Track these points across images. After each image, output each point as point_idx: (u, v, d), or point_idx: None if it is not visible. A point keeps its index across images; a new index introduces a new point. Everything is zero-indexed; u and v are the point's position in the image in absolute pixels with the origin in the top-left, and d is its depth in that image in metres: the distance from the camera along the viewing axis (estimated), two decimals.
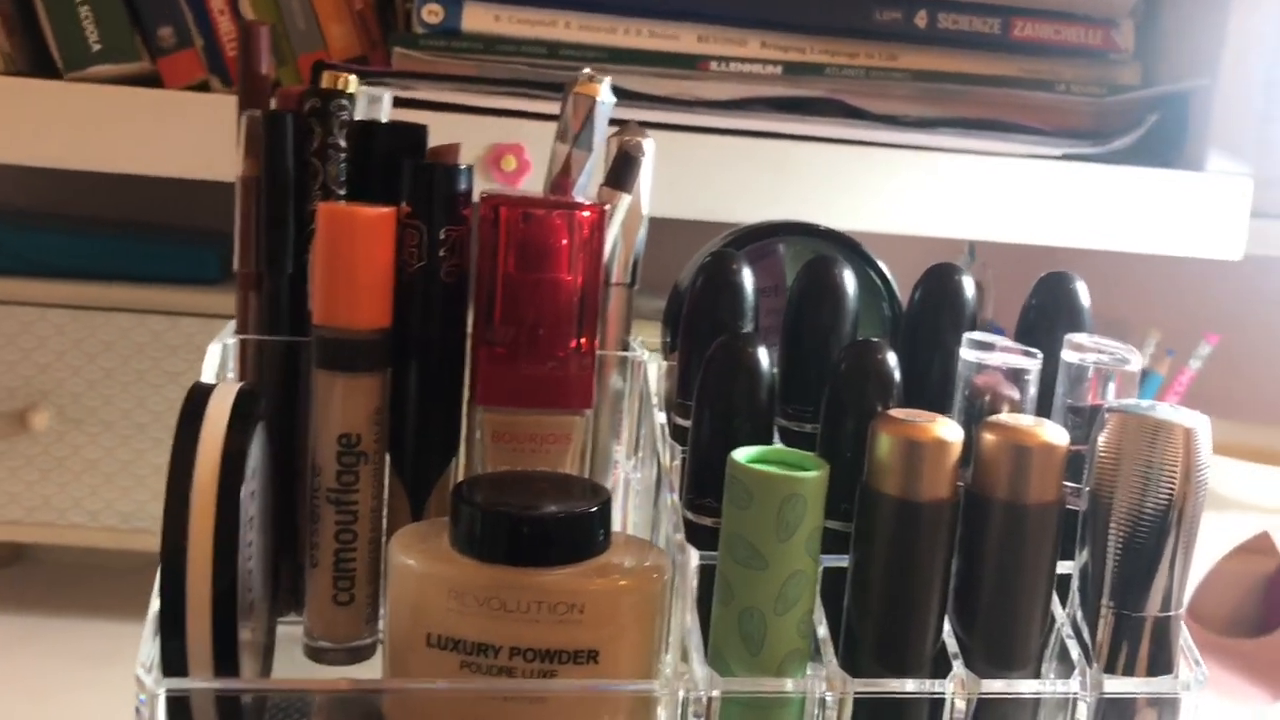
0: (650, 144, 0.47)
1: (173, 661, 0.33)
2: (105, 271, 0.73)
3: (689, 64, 0.67)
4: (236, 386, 0.37)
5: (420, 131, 0.44)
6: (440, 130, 0.63)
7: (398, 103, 0.63)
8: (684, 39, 0.67)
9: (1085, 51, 0.67)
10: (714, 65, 0.67)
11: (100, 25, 0.68)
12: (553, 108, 0.60)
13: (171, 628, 0.33)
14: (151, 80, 0.69)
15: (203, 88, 0.69)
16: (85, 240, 0.73)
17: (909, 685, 0.36)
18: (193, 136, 0.64)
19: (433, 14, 0.66)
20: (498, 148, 0.63)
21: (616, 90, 0.65)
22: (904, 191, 0.64)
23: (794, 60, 0.67)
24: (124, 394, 0.74)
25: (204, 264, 0.74)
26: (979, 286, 0.88)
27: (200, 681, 0.33)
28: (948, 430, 0.36)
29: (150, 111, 0.64)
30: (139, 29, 0.69)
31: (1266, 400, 0.87)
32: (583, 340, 0.42)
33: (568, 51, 0.66)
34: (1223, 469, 0.77)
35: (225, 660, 0.33)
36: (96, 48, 0.68)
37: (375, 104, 0.46)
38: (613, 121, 0.62)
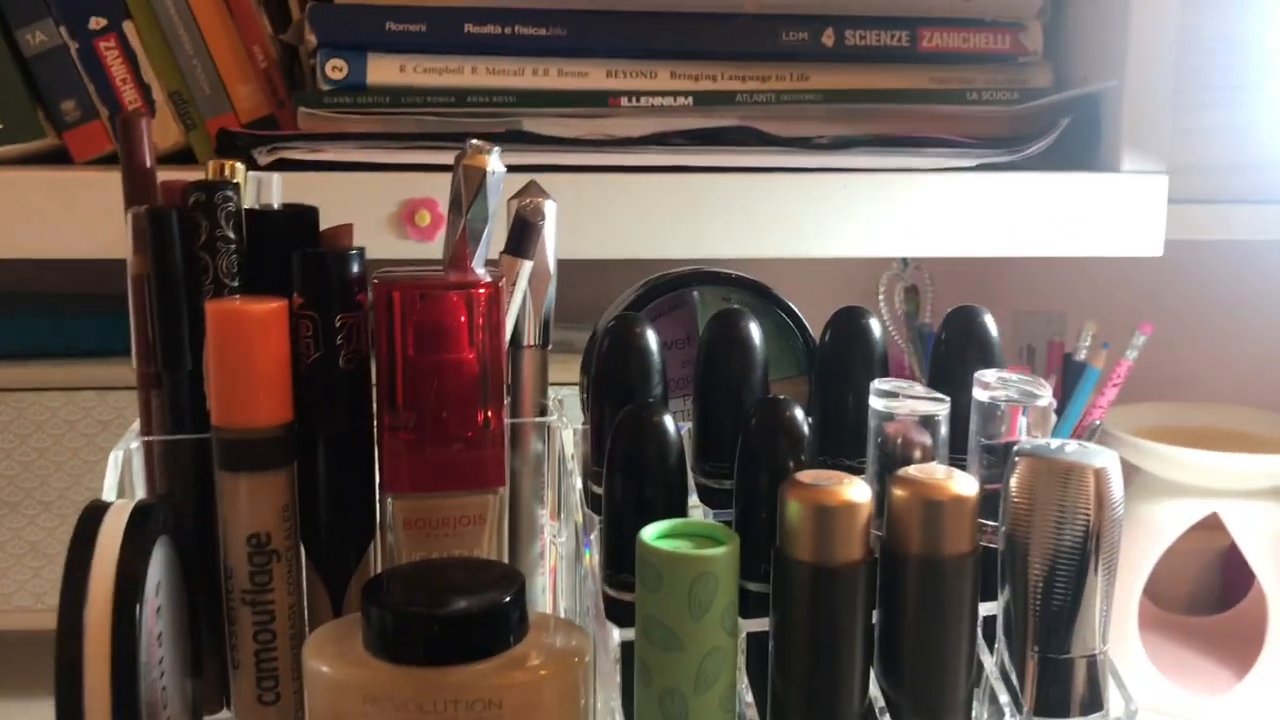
0: (551, 206, 0.47)
1: None
2: (29, 350, 0.71)
3: (600, 101, 0.66)
4: (131, 505, 0.36)
5: (312, 215, 0.44)
6: (351, 188, 0.63)
7: (306, 165, 0.62)
8: (593, 75, 0.67)
9: (995, 57, 0.67)
10: (625, 100, 0.66)
11: (1, 105, 0.67)
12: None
13: None
14: (61, 155, 0.68)
15: (112, 159, 0.68)
16: (6, 321, 0.72)
17: None
18: (101, 214, 0.63)
19: (336, 70, 0.65)
20: (410, 203, 0.62)
21: (527, 135, 0.65)
22: (824, 215, 0.64)
23: (705, 89, 0.66)
24: (59, 473, 0.73)
25: (128, 335, 0.73)
26: (914, 290, 0.88)
27: None
28: (856, 492, 0.35)
29: (55, 191, 0.63)
30: (41, 105, 0.67)
31: (1205, 380, 0.88)
32: (490, 416, 0.41)
33: (476, 98, 0.65)
34: (1169, 455, 0.77)
35: None
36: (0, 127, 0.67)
37: (266, 187, 0.45)
38: (523, 167, 0.62)
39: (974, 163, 0.64)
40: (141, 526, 0.35)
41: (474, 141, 0.44)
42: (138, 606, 0.33)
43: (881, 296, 0.84)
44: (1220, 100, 0.71)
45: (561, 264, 0.56)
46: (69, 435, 0.72)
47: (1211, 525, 0.79)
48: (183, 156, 0.71)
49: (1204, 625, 0.89)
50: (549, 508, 0.47)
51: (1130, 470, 0.82)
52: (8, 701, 0.77)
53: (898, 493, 0.36)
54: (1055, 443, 0.38)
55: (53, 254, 0.62)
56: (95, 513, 0.35)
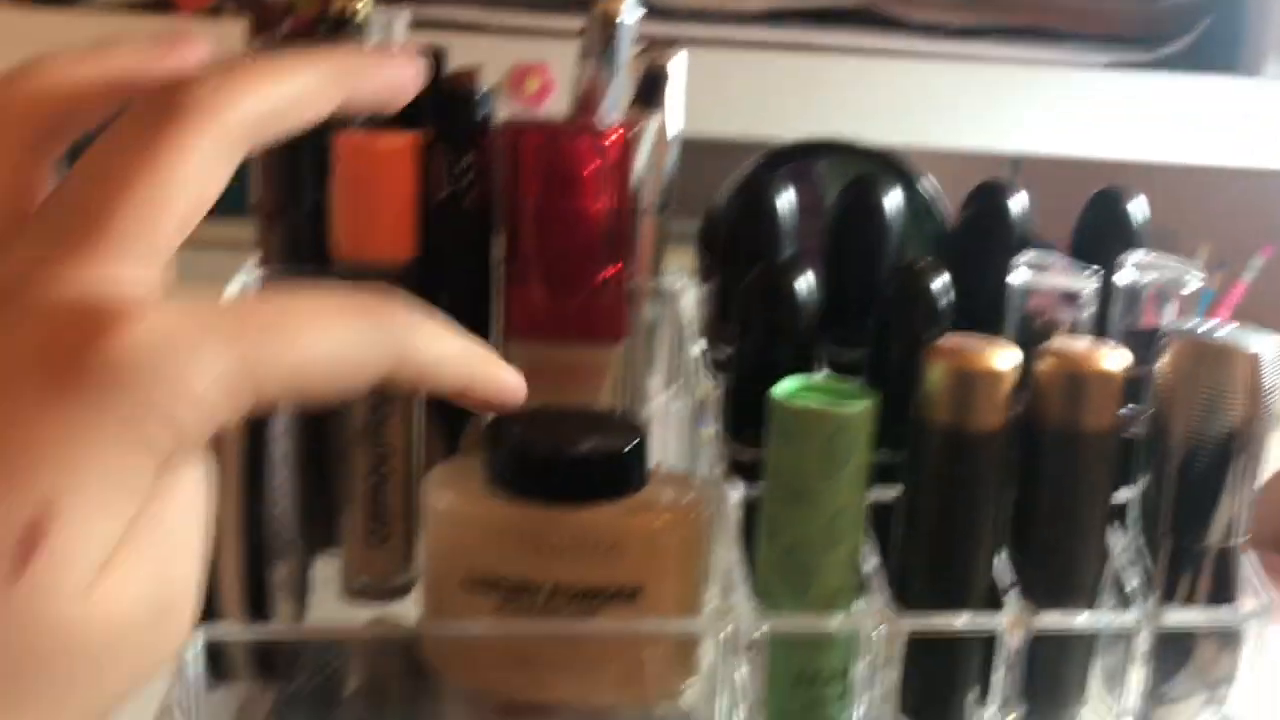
0: (681, 59, 0.45)
1: (205, 608, 0.32)
2: None
3: None
4: None
5: (438, 55, 0.42)
6: (460, 52, 0.61)
7: (416, 24, 0.61)
8: None
9: None
10: None
11: None
12: (578, 24, 0.58)
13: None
14: (164, 5, 0.67)
15: (215, 11, 0.67)
16: None
17: (960, 620, 0.35)
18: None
19: None
20: (520, 68, 0.60)
21: (646, 5, 0.63)
22: (943, 105, 0.62)
23: None
24: None
25: (228, 192, 0.72)
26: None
27: (232, 628, 0.32)
28: (1002, 359, 0.34)
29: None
30: None
31: None
32: (615, 269, 0.40)
33: None
34: None
35: (257, 605, 0.33)
36: None
37: (390, 27, 0.44)
38: (643, 34, 0.60)
39: (1106, 60, 0.61)
40: None
41: None
42: (268, 423, 0.33)
43: None
44: None
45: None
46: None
47: None
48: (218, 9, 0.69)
49: None
50: (660, 377, 0.47)
51: None
52: None
53: (1043, 363, 0.35)
54: (1209, 324, 0.36)
55: None
56: None
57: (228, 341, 0.21)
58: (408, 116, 0.40)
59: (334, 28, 0.41)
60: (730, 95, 0.61)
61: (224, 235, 0.72)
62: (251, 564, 0.33)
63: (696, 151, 0.60)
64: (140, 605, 0.20)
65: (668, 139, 0.46)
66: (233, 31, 0.62)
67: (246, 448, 0.33)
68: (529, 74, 0.61)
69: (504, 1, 0.62)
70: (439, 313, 0.25)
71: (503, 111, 0.61)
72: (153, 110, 0.23)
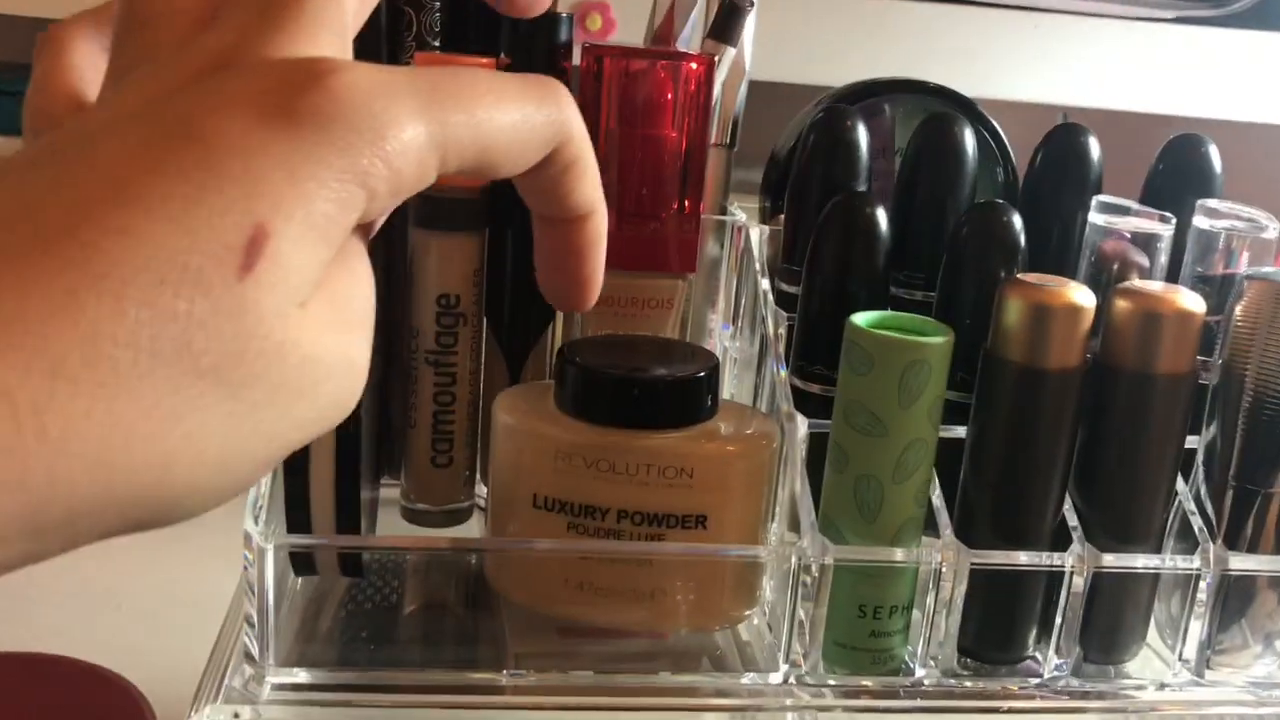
0: None
1: (296, 520, 0.33)
2: None
3: None
4: None
5: None
6: None
7: None
8: None
9: None
10: None
11: None
12: None
13: (294, 475, 0.33)
14: None
15: None
16: None
17: (1023, 558, 0.35)
18: None
19: None
20: (584, 4, 0.60)
21: None
22: (1009, 54, 0.61)
23: None
24: None
25: None
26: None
27: (317, 538, 0.33)
28: (1081, 295, 0.34)
29: None
30: None
31: None
32: (686, 201, 0.40)
33: None
34: None
35: (348, 518, 0.33)
36: None
37: None
38: None
39: (1172, 15, 0.60)
40: None
41: None
42: None
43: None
44: None
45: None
46: None
47: None
48: None
49: None
50: (720, 313, 0.47)
51: None
52: None
53: (1120, 303, 0.35)
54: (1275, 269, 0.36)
55: None
56: None
57: (425, 102, 0.23)
58: (489, 39, 0.40)
59: None
60: (791, 39, 0.60)
61: None
62: (343, 480, 0.33)
63: (755, 94, 0.59)
64: (332, 347, 0.22)
65: (741, 73, 0.45)
66: None
67: None
68: (592, 11, 0.60)
69: None
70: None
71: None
72: None
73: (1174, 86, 0.61)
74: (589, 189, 0.27)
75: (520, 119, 0.24)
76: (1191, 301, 0.35)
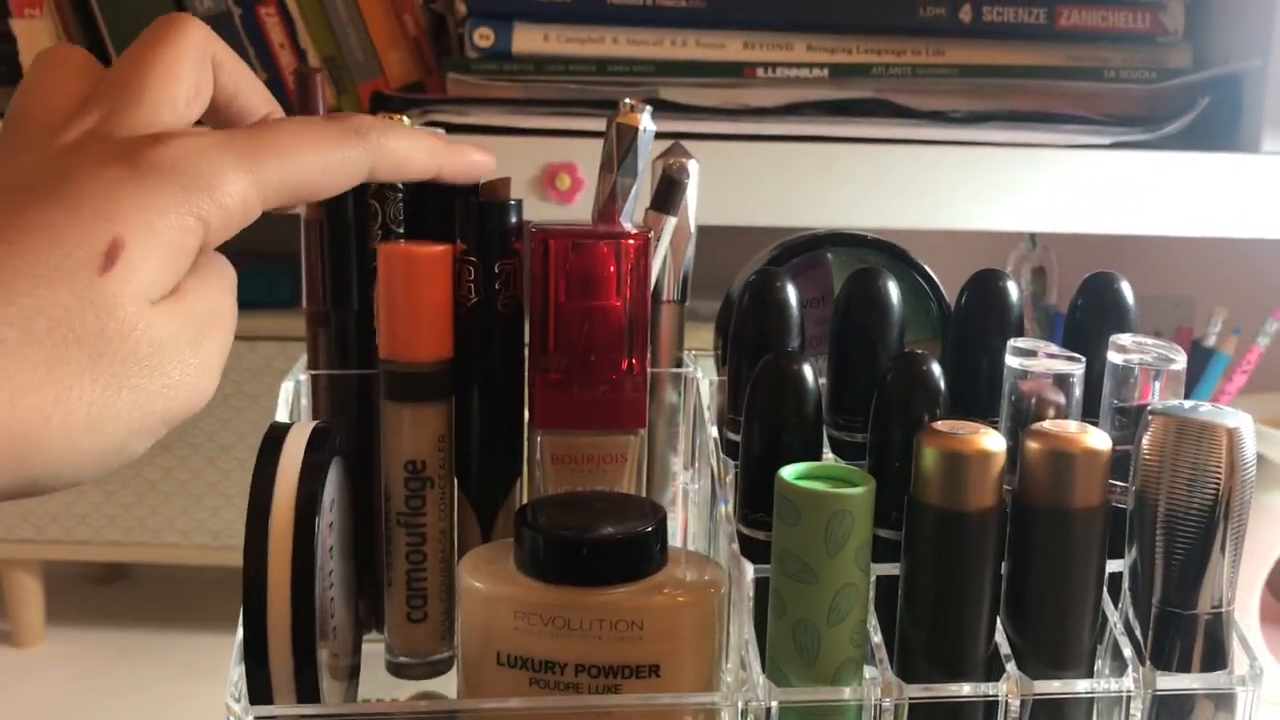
0: (694, 165, 0.48)
1: (257, 690, 0.35)
2: None
3: (736, 72, 0.68)
4: (311, 426, 0.39)
5: None
6: (495, 151, 0.65)
7: (453, 128, 0.65)
8: (730, 47, 0.68)
9: (1133, 36, 0.67)
10: (761, 72, 0.68)
11: None
12: (603, 125, 0.62)
13: (255, 658, 0.35)
14: None
15: None
16: None
17: (964, 689, 0.37)
18: None
19: (484, 38, 0.68)
20: (551, 167, 0.64)
21: (665, 104, 0.67)
22: (956, 188, 0.65)
23: (840, 62, 0.67)
24: (209, 418, 0.77)
25: (278, 288, 0.77)
26: (1042, 271, 0.88)
27: (283, 709, 0.35)
28: (991, 441, 0.37)
29: None
30: None
31: None
32: (634, 362, 0.43)
33: (616, 67, 0.68)
34: None
35: (306, 686, 0.35)
36: None
37: None
38: (661, 134, 0.64)
39: (1109, 140, 0.64)
40: (320, 445, 0.38)
41: (627, 100, 0.46)
42: (317, 518, 0.36)
43: (1010, 270, 0.84)
44: None
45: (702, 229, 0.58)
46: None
47: None
48: None
49: None
50: (682, 456, 0.49)
51: (1259, 459, 0.81)
52: (160, 632, 0.82)
53: (1032, 444, 0.37)
54: (1189, 403, 0.38)
55: None
56: (279, 431, 0.38)
57: (244, 157, 0.32)
58: (446, 223, 0.44)
59: None
60: (748, 185, 0.64)
61: (274, 327, 0.77)
62: (300, 650, 0.36)
63: (720, 236, 0.63)
64: (177, 334, 0.30)
65: (687, 235, 0.49)
66: None
67: (296, 539, 0.36)
68: (560, 173, 0.64)
69: (535, 104, 0.66)
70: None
71: (535, 207, 0.65)
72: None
73: (1118, 208, 0.64)
74: (422, 170, 0.39)
75: (325, 160, 0.34)
76: (1098, 440, 0.37)
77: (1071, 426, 0.38)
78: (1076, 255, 0.80)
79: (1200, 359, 0.79)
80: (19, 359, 0.27)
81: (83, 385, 0.28)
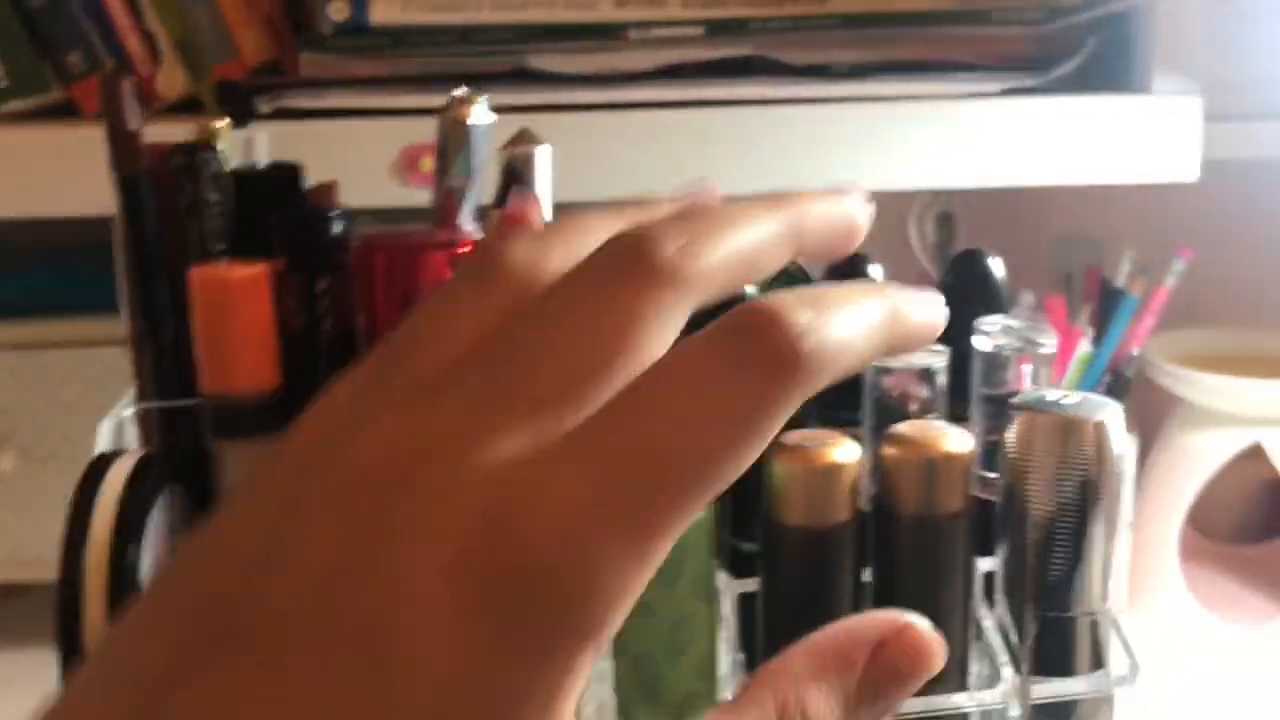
0: (544, 152, 0.45)
1: None
2: (52, 307, 0.72)
3: (608, 33, 0.64)
4: (136, 456, 0.37)
5: (295, 173, 0.43)
6: (354, 135, 0.62)
7: (308, 114, 0.61)
8: (601, 8, 0.65)
9: None
10: (634, 33, 0.64)
11: (5, 59, 0.66)
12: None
13: None
14: (69, 109, 0.68)
15: None
16: (26, 277, 0.73)
17: None
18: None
19: (339, 10, 0.64)
20: (411, 150, 0.61)
21: (534, 73, 0.63)
22: (844, 147, 0.62)
23: (716, 17, 0.64)
24: (86, 427, 0.74)
25: (106, 293, 0.73)
26: (948, 218, 0.85)
27: None
28: (843, 453, 0.34)
29: (66, 146, 0.63)
30: (46, 58, 0.67)
31: (1247, 303, 0.84)
32: None
33: (480, 35, 0.64)
34: (1209, 384, 0.75)
35: None
36: (5, 83, 0.66)
37: (251, 146, 0.45)
38: (532, 107, 0.60)
39: (998, 87, 0.61)
40: (145, 475, 0.36)
41: (456, 93, 0.42)
42: (133, 547, 0.34)
43: (912, 227, 0.82)
44: (1259, 11, 0.67)
45: (570, 207, 0.55)
46: (94, 391, 0.72)
47: (1253, 458, 0.77)
48: (194, 105, 0.70)
49: (1250, 555, 0.87)
50: None
51: (1172, 400, 0.80)
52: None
53: (888, 450, 0.35)
54: (1055, 395, 0.36)
55: (58, 212, 0.62)
56: (100, 463, 0.36)
57: (621, 547, 0.19)
58: (271, 239, 0.41)
59: (187, 157, 0.42)
60: (627, 155, 0.61)
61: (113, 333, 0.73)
62: None
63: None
64: None
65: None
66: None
67: (111, 581, 0.34)
68: (423, 154, 0.61)
69: (396, 83, 0.63)
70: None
71: (398, 198, 0.61)
72: (617, 270, 0.21)
73: (1011, 156, 0.62)
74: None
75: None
76: (957, 443, 0.35)
77: (931, 428, 0.36)
78: (982, 200, 0.78)
79: (1112, 301, 0.77)
80: None
81: None
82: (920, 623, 0.23)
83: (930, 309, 0.24)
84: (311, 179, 0.44)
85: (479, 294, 0.22)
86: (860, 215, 0.26)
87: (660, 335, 0.21)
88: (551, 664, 0.19)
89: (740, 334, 0.20)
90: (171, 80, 0.69)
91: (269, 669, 0.18)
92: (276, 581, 0.19)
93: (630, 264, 0.21)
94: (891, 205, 0.77)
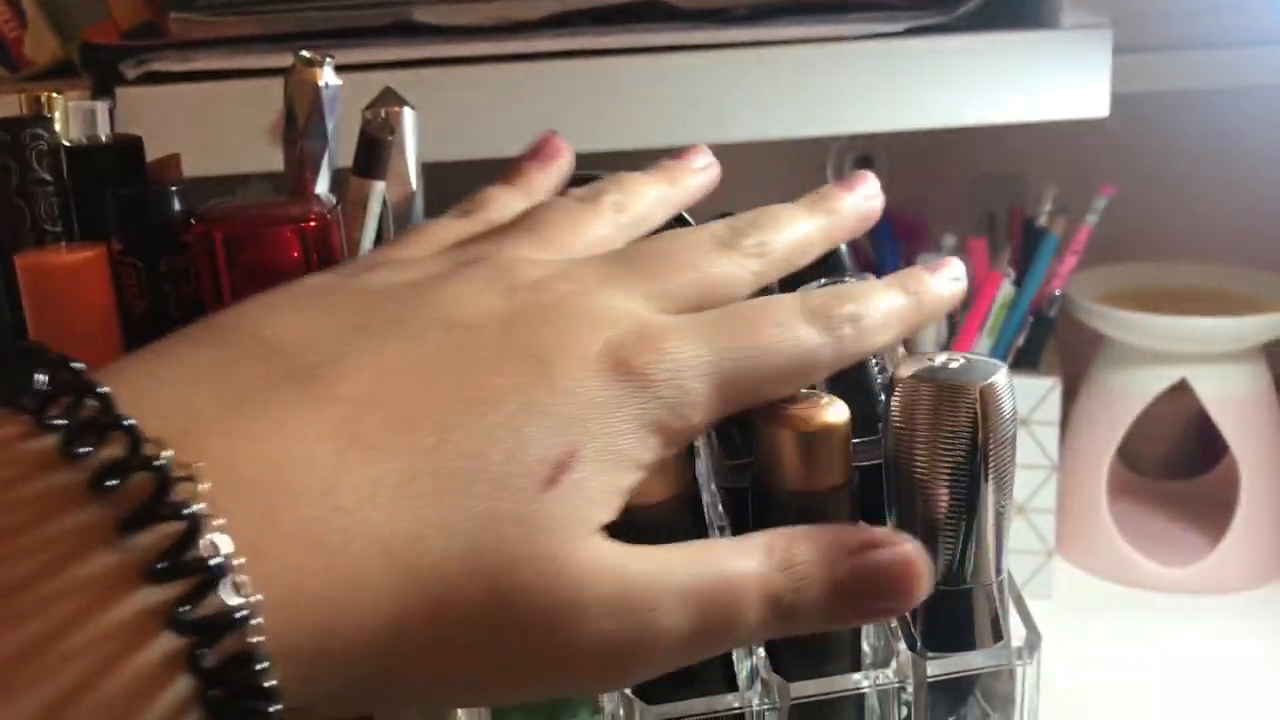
0: (409, 115, 0.42)
1: None
2: None
3: None
4: None
5: (136, 146, 0.40)
6: (229, 97, 0.58)
7: (178, 77, 0.58)
8: None
9: None
10: None
11: None
12: (350, 56, 0.55)
13: None
14: None
15: None
16: None
17: (699, 705, 0.33)
18: None
19: None
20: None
21: (419, 27, 0.60)
22: (748, 94, 0.59)
23: None
24: None
25: None
26: (868, 161, 0.83)
27: None
28: (835, 412, 0.33)
29: None
30: None
31: (1171, 236, 0.83)
32: None
33: None
34: (1134, 321, 0.74)
35: None
36: None
37: (93, 119, 0.42)
38: (419, 61, 0.57)
39: (903, 26, 0.59)
40: None
41: (303, 53, 0.39)
42: None
43: (830, 172, 0.79)
44: None
45: (461, 166, 0.52)
46: None
47: (1185, 387, 0.76)
48: (65, 69, 0.66)
49: (1179, 490, 0.86)
50: None
51: (1097, 338, 0.78)
52: None
53: (762, 425, 0.33)
54: (939, 359, 0.34)
55: None
56: None
57: (717, 362, 0.28)
58: (99, 223, 0.38)
59: (11, 135, 0.39)
60: (514, 111, 0.58)
61: None
62: None
63: (493, 171, 0.57)
64: (611, 594, 0.25)
65: (410, 193, 0.43)
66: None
67: None
68: None
69: (270, 41, 0.59)
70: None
71: (274, 161, 0.58)
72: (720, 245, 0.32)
73: (920, 97, 0.60)
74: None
75: (783, 356, 0.30)
76: (835, 414, 0.33)
77: (806, 400, 0.34)
78: (901, 143, 0.75)
79: (1034, 239, 0.75)
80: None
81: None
82: (914, 544, 0.30)
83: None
84: (180, 151, 0.41)
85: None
86: (874, 203, 0.37)
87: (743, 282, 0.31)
88: (644, 445, 0.27)
89: (815, 301, 0.31)
90: (40, 44, 0.65)
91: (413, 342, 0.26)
92: (446, 296, 0.27)
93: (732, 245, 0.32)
94: (807, 151, 0.75)
